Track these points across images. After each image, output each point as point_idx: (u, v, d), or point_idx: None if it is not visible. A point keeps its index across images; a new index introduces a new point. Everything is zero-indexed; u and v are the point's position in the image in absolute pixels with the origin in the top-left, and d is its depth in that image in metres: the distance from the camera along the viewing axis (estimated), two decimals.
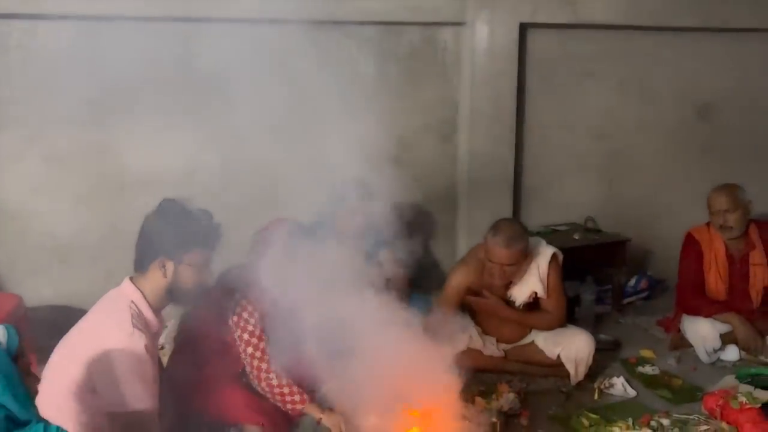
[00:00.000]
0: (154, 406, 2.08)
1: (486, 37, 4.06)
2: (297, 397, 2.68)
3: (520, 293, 3.19)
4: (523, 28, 4.19)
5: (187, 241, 2.19)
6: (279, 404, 2.68)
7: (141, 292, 2.19)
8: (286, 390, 2.67)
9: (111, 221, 3.56)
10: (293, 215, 2.87)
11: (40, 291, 3.55)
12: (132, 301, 2.16)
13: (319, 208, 3.24)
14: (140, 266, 2.21)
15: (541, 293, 3.17)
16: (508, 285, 3.19)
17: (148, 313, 2.18)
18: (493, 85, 4.14)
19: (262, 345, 2.66)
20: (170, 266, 2.19)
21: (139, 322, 2.12)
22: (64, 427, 1.98)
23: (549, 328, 3.25)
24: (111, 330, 2.07)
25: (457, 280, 3.21)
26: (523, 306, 3.21)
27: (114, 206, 3.57)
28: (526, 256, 3.11)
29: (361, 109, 4.03)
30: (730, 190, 3.53)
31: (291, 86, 3.83)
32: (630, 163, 4.75)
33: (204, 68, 3.63)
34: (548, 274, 3.18)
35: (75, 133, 3.54)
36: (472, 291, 3.22)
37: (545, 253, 3.21)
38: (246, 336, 2.66)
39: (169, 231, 2.17)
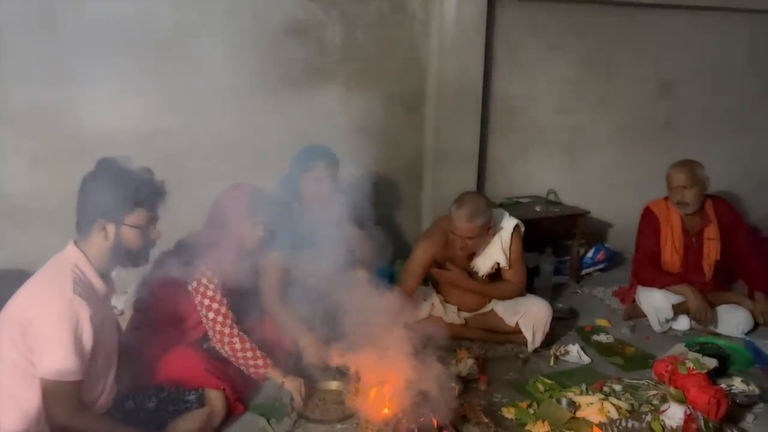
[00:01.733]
0: (77, 379, 2.02)
1: (454, 7, 4.04)
2: (260, 362, 2.69)
3: (483, 264, 3.24)
4: None
5: (127, 201, 2.11)
6: (242, 368, 2.70)
7: (85, 255, 2.12)
8: (249, 354, 2.68)
9: (68, 184, 3.44)
10: (255, 181, 2.84)
11: None
12: (75, 265, 2.09)
13: (282, 174, 3.21)
14: (82, 229, 2.13)
15: (503, 264, 3.23)
16: (472, 256, 3.23)
17: (93, 277, 2.12)
18: (460, 55, 4.13)
19: (223, 309, 2.66)
20: (111, 228, 2.11)
21: (82, 287, 2.06)
22: (7, 389, 1.97)
23: (509, 297, 3.31)
24: (51, 295, 2.02)
25: (422, 252, 3.24)
26: (485, 276, 3.26)
27: (72, 169, 3.41)
28: (488, 230, 3.15)
29: (326, 76, 4.00)
30: (689, 166, 3.60)
31: (256, 51, 3.77)
32: (592, 137, 4.82)
33: (164, 29, 3.55)
34: (510, 245, 3.23)
35: (31, 94, 3.42)
36: (437, 262, 3.26)
37: (508, 224, 3.25)
38: (206, 301, 2.65)
39: (108, 191, 2.08)
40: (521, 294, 3.32)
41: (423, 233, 3.50)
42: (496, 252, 3.22)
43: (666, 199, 3.74)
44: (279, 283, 2.84)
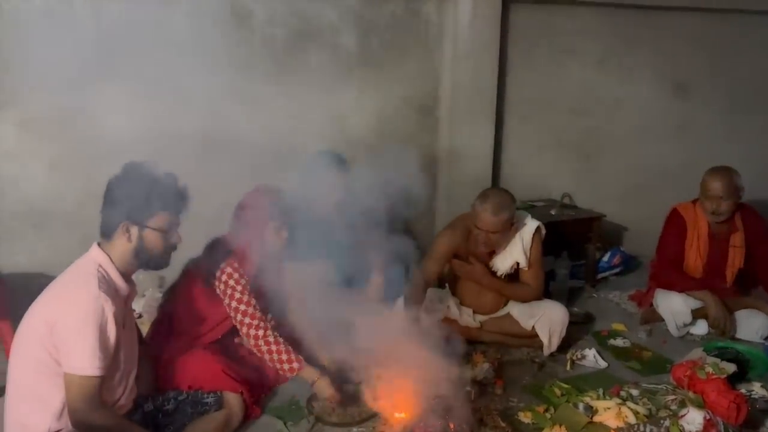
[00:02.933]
0: (100, 375, 2.04)
1: (469, 10, 4.05)
2: (295, 365, 2.71)
3: (503, 263, 3.24)
4: (506, 2, 4.19)
5: (150, 205, 2.15)
6: (277, 368, 2.72)
7: (108, 256, 2.16)
8: (282, 356, 2.71)
9: (86, 187, 3.50)
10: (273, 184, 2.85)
11: (14, 257, 3.51)
12: (99, 265, 2.14)
13: (297, 179, 3.22)
14: (106, 231, 2.18)
15: (523, 264, 3.22)
16: (492, 254, 3.23)
17: (117, 278, 2.16)
18: (474, 58, 4.14)
19: (250, 310, 2.69)
20: (135, 231, 2.16)
21: (106, 286, 2.10)
22: (32, 389, 2.00)
23: (526, 300, 3.30)
24: (77, 292, 2.06)
25: (444, 243, 3.24)
26: (504, 276, 3.26)
27: (90, 172, 3.49)
28: (511, 225, 3.15)
29: (341, 80, 4.01)
30: (728, 177, 3.48)
31: (271, 56, 3.80)
32: (607, 139, 4.80)
33: (181, 34, 3.57)
34: (531, 246, 3.23)
35: (50, 98, 3.46)
36: (457, 257, 3.26)
37: (530, 225, 3.25)
38: (234, 303, 2.68)
39: (132, 195, 2.13)
40: (538, 298, 3.31)
41: (445, 227, 3.49)
42: (516, 251, 3.21)
43: (694, 202, 3.66)
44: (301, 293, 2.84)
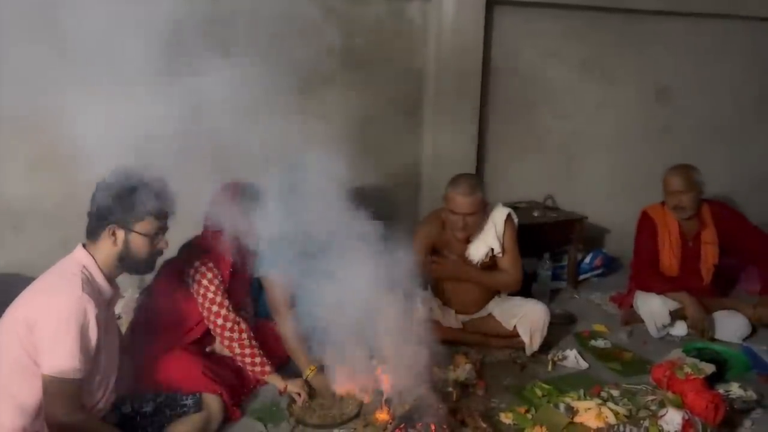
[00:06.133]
0: (80, 378, 2.03)
1: (452, 12, 4.06)
2: (263, 368, 2.72)
3: (478, 251, 3.26)
4: (490, 5, 4.20)
5: (137, 209, 2.16)
6: (248, 369, 2.72)
7: (93, 258, 2.16)
8: (250, 359, 2.71)
9: (67, 188, 3.45)
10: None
11: None
12: (84, 266, 2.13)
13: (276, 181, 3.20)
14: (92, 234, 2.18)
15: (497, 250, 3.26)
16: (467, 242, 3.25)
17: (101, 280, 2.16)
18: (458, 60, 4.14)
19: (223, 311, 2.67)
20: (120, 234, 2.16)
21: (89, 287, 2.09)
22: (8, 389, 1.98)
23: (506, 286, 3.34)
24: (60, 292, 2.04)
25: (420, 238, 3.26)
26: (479, 265, 3.28)
27: (70, 173, 3.42)
28: (485, 206, 3.20)
29: (324, 81, 4.00)
30: (686, 171, 3.60)
31: (253, 55, 3.77)
32: (590, 143, 4.83)
33: (163, 34, 3.54)
34: (504, 233, 3.26)
35: (29, 97, 3.42)
36: (435, 251, 3.28)
37: (501, 212, 3.30)
38: (207, 303, 2.67)
39: (120, 199, 2.14)
40: (518, 283, 3.32)
41: (419, 223, 3.52)
42: (490, 238, 3.25)
43: (663, 203, 3.75)
44: (284, 298, 2.83)
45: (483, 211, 3.20)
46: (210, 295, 2.66)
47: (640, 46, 4.77)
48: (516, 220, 3.34)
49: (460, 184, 3.13)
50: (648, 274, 3.71)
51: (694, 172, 3.61)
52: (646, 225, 3.77)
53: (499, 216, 3.28)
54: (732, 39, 5.01)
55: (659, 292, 3.61)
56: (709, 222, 3.69)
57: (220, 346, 2.81)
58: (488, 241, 3.25)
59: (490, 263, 3.30)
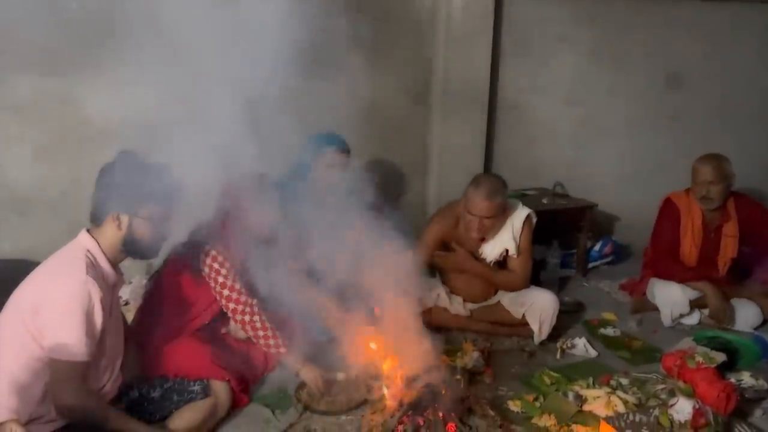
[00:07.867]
0: (86, 360, 2.03)
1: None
2: (281, 348, 2.71)
3: (493, 250, 3.22)
4: None
5: (142, 194, 2.15)
6: (262, 346, 2.73)
7: (97, 242, 2.15)
8: (272, 342, 2.71)
9: (72, 174, 3.46)
10: (260, 170, 2.81)
11: None
12: (88, 250, 2.12)
13: (292, 160, 3.18)
14: (96, 219, 2.18)
15: (512, 251, 3.21)
16: (482, 241, 3.21)
17: (105, 264, 2.15)
18: (467, 46, 4.10)
19: (234, 295, 2.67)
20: (125, 220, 2.15)
21: (94, 271, 2.08)
22: (13, 374, 1.97)
23: (511, 287, 3.29)
24: (65, 276, 2.04)
25: (433, 231, 3.23)
26: (492, 263, 3.24)
27: (75, 158, 3.47)
28: (504, 211, 3.14)
29: (331, 66, 3.95)
30: (717, 162, 3.50)
31: (260, 40, 3.73)
32: (599, 129, 4.78)
33: (169, 18, 3.51)
34: (521, 234, 3.22)
35: (35, 83, 3.41)
36: (447, 245, 3.24)
37: (520, 212, 3.24)
38: (219, 288, 2.66)
39: (124, 184, 2.13)
40: (524, 286, 3.29)
41: (434, 213, 3.46)
42: (506, 238, 3.20)
43: (687, 191, 3.66)
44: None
45: (502, 215, 3.13)
46: (221, 279, 2.65)
47: (650, 31, 4.70)
48: (534, 221, 3.27)
49: (481, 186, 3.04)
50: (668, 262, 3.63)
51: (726, 163, 3.51)
52: (669, 212, 3.68)
53: (518, 216, 3.22)
54: (745, 23, 4.92)
55: (680, 281, 3.55)
56: (732, 215, 3.61)
57: (234, 327, 2.80)
58: (504, 241, 3.19)
59: (502, 261, 3.26)
